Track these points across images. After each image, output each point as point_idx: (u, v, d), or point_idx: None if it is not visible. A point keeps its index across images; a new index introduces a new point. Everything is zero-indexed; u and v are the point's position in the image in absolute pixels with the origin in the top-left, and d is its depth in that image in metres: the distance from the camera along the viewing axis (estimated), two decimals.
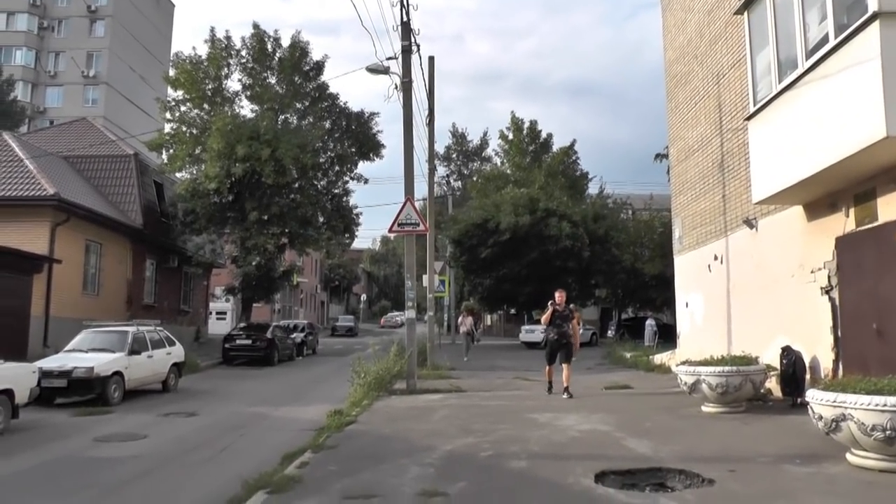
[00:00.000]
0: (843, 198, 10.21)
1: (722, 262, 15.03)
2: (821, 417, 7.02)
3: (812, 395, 7.19)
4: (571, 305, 14.88)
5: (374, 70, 18.34)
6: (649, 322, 34.12)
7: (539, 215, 36.45)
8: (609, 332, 43.92)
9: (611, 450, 8.15)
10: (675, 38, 18.34)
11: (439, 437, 9.08)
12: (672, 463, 7.30)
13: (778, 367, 11.13)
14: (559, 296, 14.08)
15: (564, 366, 13.78)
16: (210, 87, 30.08)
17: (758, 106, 11.19)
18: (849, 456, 6.98)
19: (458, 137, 70.85)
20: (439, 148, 57.94)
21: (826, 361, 10.68)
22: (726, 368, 10.47)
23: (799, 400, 10.82)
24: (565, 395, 13.17)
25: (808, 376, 10.89)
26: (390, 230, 16.08)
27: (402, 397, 13.96)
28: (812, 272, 11.07)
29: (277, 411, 13.83)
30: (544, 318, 14.06)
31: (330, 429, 9.86)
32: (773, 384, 11.44)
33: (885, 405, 6.43)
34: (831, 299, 10.61)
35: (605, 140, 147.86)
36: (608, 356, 25.80)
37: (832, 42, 8.92)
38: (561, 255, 35.95)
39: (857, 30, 8.35)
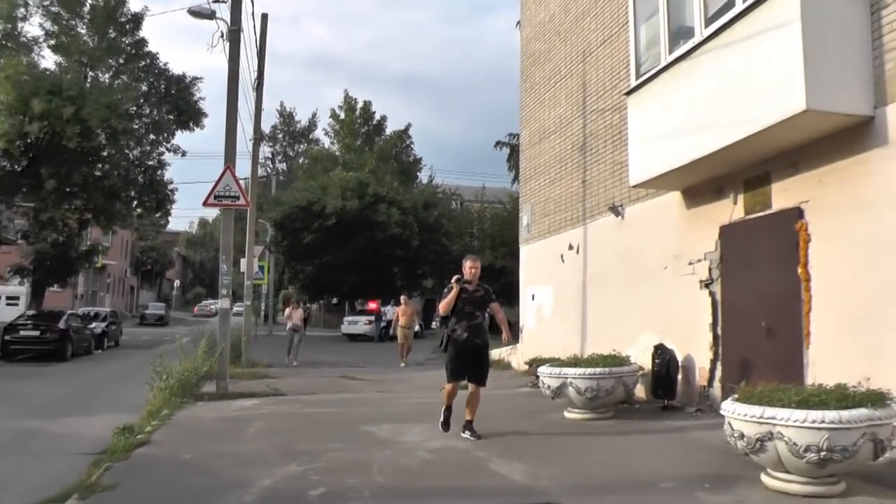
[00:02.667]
0: (731, 183, 9.34)
1: (578, 251, 14.09)
2: (742, 436, 5.82)
3: (731, 409, 5.99)
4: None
5: (197, 13, 16.09)
6: None
7: (368, 200, 35.00)
8: (434, 323, 43.10)
9: (478, 478, 6.55)
10: (534, 14, 17.30)
11: (254, 465, 6.97)
12: (560, 496, 5.84)
13: (648, 366, 10.19)
14: (470, 267, 8.59)
15: (472, 387, 8.43)
16: None
17: (641, 79, 10.18)
18: (765, 478, 5.91)
19: (286, 117, 67.80)
20: (265, 127, 54.60)
21: (702, 361, 9.82)
22: (597, 370, 9.26)
23: (668, 402, 9.97)
24: (467, 434, 8.22)
25: (679, 377, 10.04)
26: (205, 203, 13.37)
27: (210, 404, 11.53)
28: (690, 264, 10.19)
29: (53, 425, 10.76)
30: (444, 303, 8.42)
31: (114, 454, 7.52)
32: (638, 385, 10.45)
33: (822, 421, 5.36)
34: (711, 294, 9.75)
35: (437, 134, 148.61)
36: (439, 350, 24.21)
37: (739, 6, 7.97)
38: (389, 243, 34.69)
39: None
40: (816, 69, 7.03)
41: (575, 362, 9.82)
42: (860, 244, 7.31)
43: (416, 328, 21.97)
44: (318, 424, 9.50)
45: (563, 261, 14.80)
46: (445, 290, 8.60)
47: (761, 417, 5.65)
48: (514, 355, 17.46)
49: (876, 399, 5.60)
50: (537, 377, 10.21)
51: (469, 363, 8.36)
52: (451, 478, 6.60)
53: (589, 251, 13.66)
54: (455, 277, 8.49)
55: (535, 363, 12.20)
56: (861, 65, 7.24)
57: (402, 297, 21.59)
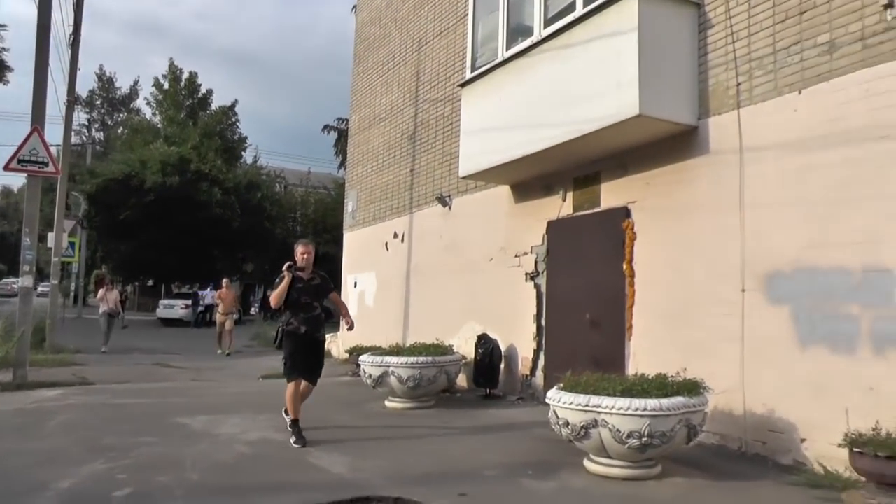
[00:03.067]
0: (561, 180, 9.45)
1: (403, 240, 13.89)
2: (567, 423, 5.88)
3: (556, 398, 6.03)
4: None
5: None
6: None
7: (190, 177, 32.93)
8: (252, 309, 41.67)
9: (297, 472, 6.13)
10: None
11: (54, 463, 6.14)
12: (383, 487, 5.53)
13: (472, 355, 10.12)
14: (302, 252, 7.45)
15: (306, 385, 7.50)
16: None
17: (477, 72, 10.09)
18: (587, 464, 6.02)
19: (106, 82, 62.75)
20: (81, 91, 50.22)
21: (525, 351, 9.90)
22: (420, 359, 9.10)
23: (490, 391, 9.96)
24: (293, 440, 7.13)
25: (502, 366, 10.05)
26: (7, 167, 11.70)
27: (5, 395, 10.13)
28: (517, 256, 10.24)
29: None
30: (275, 294, 7.32)
31: None
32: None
33: (644, 409, 5.53)
34: (537, 286, 9.84)
35: (265, 114, 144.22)
36: (258, 337, 22.91)
37: (580, 10, 8.07)
38: (210, 224, 32.88)
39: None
40: (650, 77, 7.24)
41: (397, 351, 9.63)
42: (678, 246, 7.61)
43: (237, 315, 20.38)
44: (128, 416, 8.62)
45: (387, 249, 14.55)
46: (277, 279, 7.39)
47: (587, 406, 5.73)
48: (334, 343, 16.99)
49: (691, 388, 5.88)
50: (358, 366, 9.90)
51: (307, 360, 7.42)
52: (269, 472, 6.13)
53: (414, 240, 13.49)
54: (287, 265, 7.24)
55: (356, 352, 11.89)
56: (688, 78, 7.54)
57: (224, 281, 20.08)
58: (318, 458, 6.51)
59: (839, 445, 5.35)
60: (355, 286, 16.27)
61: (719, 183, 7.14)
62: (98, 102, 61.91)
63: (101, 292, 19.90)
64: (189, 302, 33.04)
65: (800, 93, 6.46)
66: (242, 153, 41.46)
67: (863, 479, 5.32)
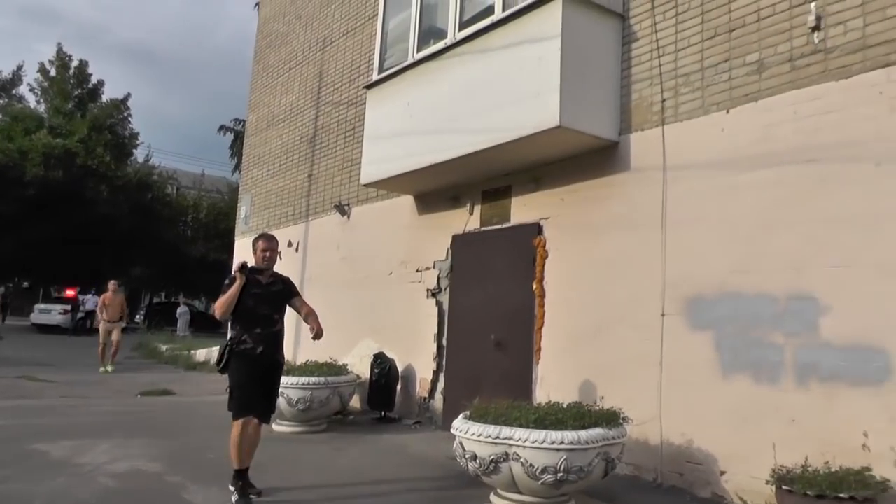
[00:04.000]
0: (468, 192, 8.83)
1: (298, 249, 12.94)
2: (474, 457, 5.21)
3: (463, 428, 5.35)
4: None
5: None
6: (181, 309, 30.67)
7: (76, 173, 30.47)
8: (138, 317, 39.18)
9: None
10: None
11: None
12: None
13: (367, 375, 9.30)
14: (263, 249, 5.75)
15: (253, 423, 5.64)
16: None
17: (384, 74, 9.35)
18: (494, 499, 5.38)
19: None
20: None
21: (424, 372, 9.17)
22: (311, 380, 8.23)
23: (385, 414, 9.17)
24: (233, 490, 5.51)
25: (399, 387, 9.27)
26: None
27: None
28: (418, 271, 9.53)
29: None
30: (222, 301, 5.56)
31: None
32: None
33: (561, 442, 4.94)
34: (438, 303, 9.14)
35: (160, 112, 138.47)
36: (140, 348, 20.93)
37: (499, 14, 7.51)
38: (96, 223, 30.48)
39: (534, 4, 7.05)
40: (572, 88, 6.74)
41: (287, 370, 8.61)
42: (593, 265, 7.11)
43: (124, 324, 17.16)
44: None
45: (280, 258, 13.44)
46: (227, 280, 5.61)
47: (497, 438, 5.10)
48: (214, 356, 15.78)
49: (610, 418, 5.35)
50: None
51: (263, 389, 5.64)
52: None
53: (309, 250, 12.58)
54: (239, 264, 5.59)
55: None
56: (611, 91, 7.08)
57: (110, 284, 16.72)
58: (193, 494, 5.58)
59: (767, 482, 4.88)
60: None
61: (640, 201, 6.66)
62: None
63: None
64: (68, 307, 30.04)
65: (728, 112, 6.06)
66: (134, 150, 38.83)
67: None
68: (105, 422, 8.65)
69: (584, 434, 5.02)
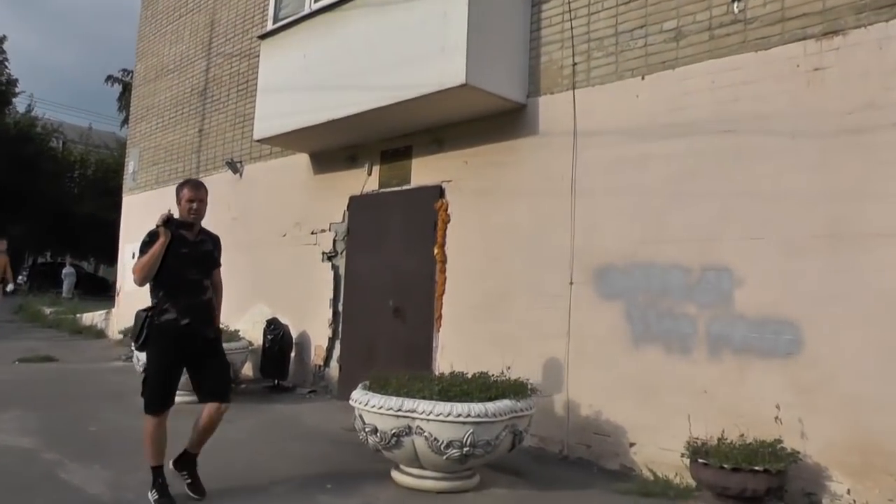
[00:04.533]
0: (366, 153, 8.10)
1: None
2: (375, 430, 4.66)
3: (363, 400, 4.77)
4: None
5: None
6: (67, 270, 28.54)
7: None
8: (20, 278, 36.19)
9: (42, 493, 4.42)
10: None
11: None
12: None
13: (259, 341, 8.51)
14: (189, 199, 4.49)
15: (209, 409, 4.46)
16: None
17: (279, 24, 8.42)
18: (396, 475, 4.87)
19: None
20: None
21: (319, 339, 8.44)
22: None
23: (278, 382, 8.43)
24: (184, 476, 4.47)
25: (293, 355, 8.52)
26: None
27: None
28: (313, 233, 8.73)
29: None
30: (143, 262, 4.26)
31: None
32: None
33: (468, 415, 4.47)
34: (335, 267, 8.41)
35: (43, 62, 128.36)
36: (21, 311, 18.92)
37: None
38: None
39: None
40: (479, 45, 6.13)
41: None
42: (498, 231, 6.59)
43: (11, 287, 14.97)
44: None
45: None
46: (146, 238, 4.36)
47: (399, 410, 4.57)
48: (108, 321, 14.48)
49: (518, 389, 4.89)
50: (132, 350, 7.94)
51: (193, 368, 4.48)
52: (2, 496, 4.35)
53: None
54: (163, 216, 4.27)
55: (129, 334, 9.74)
56: (519, 52, 6.51)
57: None
58: (71, 473, 4.84)
59: (682, 455, 4.54)
60: (133, 257, 13.81)
61: (548, 167, 6.15)
62: None
63: None
64: None
65: (643, 78, 5.60)
66: (13, 99, 35.28)
67: (694, 486, 4.65)
68: None
69: (491, 406, 4.57)
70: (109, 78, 35.70)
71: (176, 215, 4.40)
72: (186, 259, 4.38)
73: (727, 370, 4.88)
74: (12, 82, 33.34)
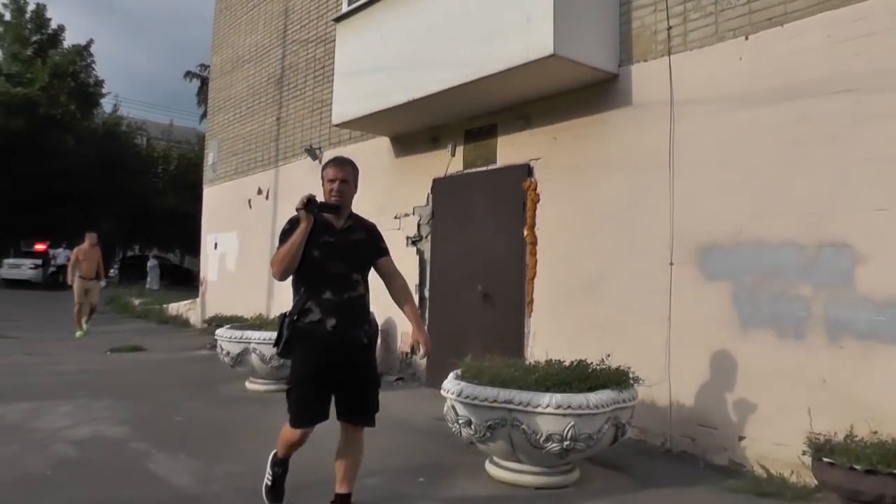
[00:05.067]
0: (449, 133, 7.97)
1: (268, 196, 12.03)
2: (469, 422, 4.51)
3: (455, 390, 4.60)
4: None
5: None
6: (151, 263, 29.70)
7: (39, 123, 28.68)
8: (112, 271, 37.84)
9: (129, 485, 4.43)
10: None
11: None
12: None
13: None
14: (333, 176, 3.82)
15: (348, 430, 3.90)
16: None
17: (356, 4, 8.35)
18: (490, 468, 4.72)
19: None
20: None
21: (405, 326, 8.36)
22: None
23: None
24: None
25: (379, 342, 8.49)
26: None
27: None
28: (397, 218, 8.68)
29: None
30: (283, 253, 3.66)
31: None
32: None
33: (568, 406, 4.24)
34: (420, 252, 8.34)
35: (125, 62, 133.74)
36: (112, 302, 19.76)
37: None
38: (63, 176, 28.84)
39: None
40: (567, 13, 5.88)
41: (259, 324, 8.02)
42: (590, 210, 6.35)
43: (104, 282, 14.91)
44: None
45: (250, 206, 12.62)
46: (286, 224, 3.82)
47: (495, 401, 4.38)
48: (193, 310, 14.90)
49: (619, 379, 4.63)
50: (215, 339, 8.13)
51: (338, 381, 3.75)
52: (93, 487, 4.39)
53: (280, 197, 11.65)
54: (305, 197, 3.64)
55: (214, 322, 9.98)
56: (609, 18, 6.22)
57: (87, 236, 13.74)
58: (159, 464, 4.87)
59: (803, 452, 4.19)
60: (216, 248, 14.21)
61: (643, 140, 5.86)
62: None
63: None
64: (39, 261, 28.32)
65: (746, 38, 5.24)
66: (100, 100, 36.85)
67: (813, 486, 4.29)
68: (69, 382, 7.93)
69: (592, 397, 4.32)
70: (188, 74, 36.84)
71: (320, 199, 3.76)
72: (330, 249, 3.71)
73: (849, 357, 4.50)
74: (99, 83, 34.82)
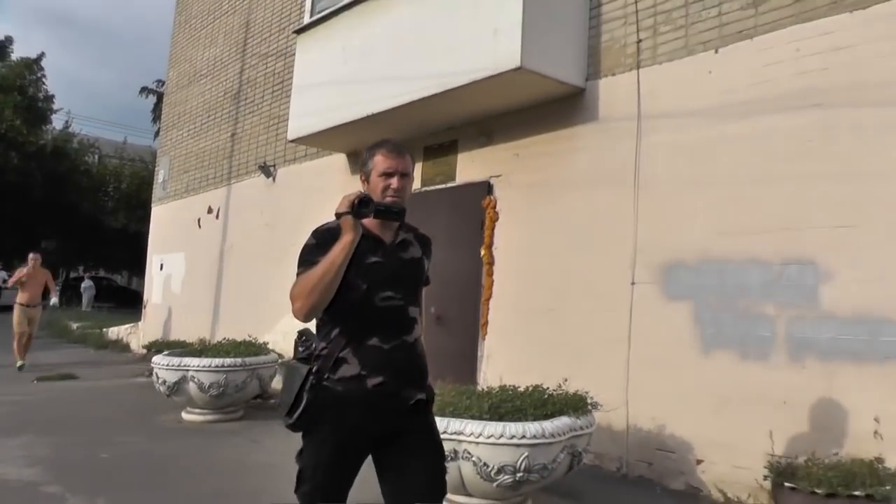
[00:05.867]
0: (408, 150, 7.81)
1: (218, 216, 11.78)
2: None
3: None
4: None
5: None
6: (86, 284, 29.15)
7: None
8: (53, 298, 36.79)
9: None
10: None
11: None
12: None
13: (290, 354, 8.24)
14: (389, 166, 2.66)
15: None
16: None
17: (318, 16, 8.28)
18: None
19: None
20: None
21: None
22: (227, 361, 7.19)
23: None
24: None
25: None
26: None
27: None
28: None
29: None
30: (312, 285, 2.48)
31: None
32: None
33: (522, 436, 4.02)
34: None
35: (83, 81, 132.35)
36: (49, 326, 18.59)
37: None
38: (6, 194, 28.12)
39: None
40: (534, 26, 5.87)
41: (199, 350, 7.72)
42: (551, 229, 6.28)
43: (55, 300, 13.60)
44: None
45: (199, 226, 12.37)
46: (310, 238, 2.69)
47: (444, 433, 4.05)
48: (134, 334, 14.46)
49: (576, 404, 4.45)
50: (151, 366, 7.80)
51: (384, 451, 2.59)
52: None
53: (231, 216, 11.43)
54: (356, 196, 2.42)
55: (154, 347, 9.60)
56: (578, 32, 6.24)
57: (31, 257, 12.02)
58: None
59: (765, 477, 4.09)
60: (161, 269, 13.87)
61: (609, 155, 5.84)
62: None
63: None
64: None
65: (716, 51, 5.28)
66: (50, 115, 36.10)
67: None
68: None
69: (548, 425, 4.12)
70: (144, 90, 36.39)
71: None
72: (380, 272, 2.62)
73: (811, 377, 4.45)
74: (49, 98, 34.15)
